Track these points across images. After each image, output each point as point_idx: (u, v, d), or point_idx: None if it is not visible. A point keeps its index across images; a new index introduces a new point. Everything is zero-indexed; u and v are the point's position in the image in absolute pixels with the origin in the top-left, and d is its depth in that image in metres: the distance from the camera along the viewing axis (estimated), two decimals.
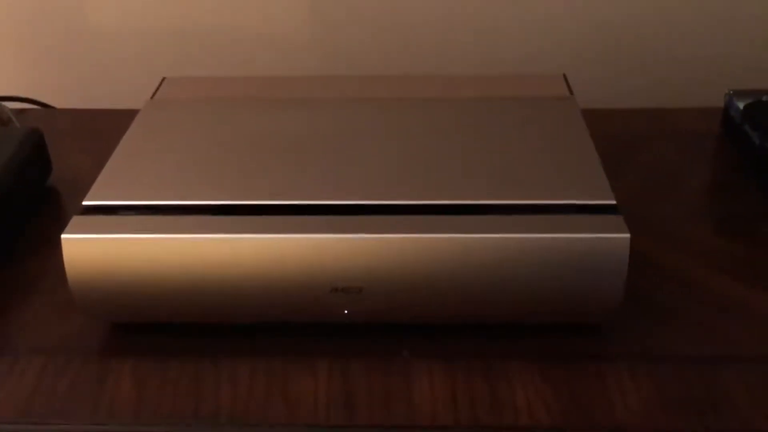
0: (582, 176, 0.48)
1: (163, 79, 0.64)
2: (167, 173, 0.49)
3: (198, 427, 0.43)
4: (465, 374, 0.45)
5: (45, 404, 0.44)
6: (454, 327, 0.47)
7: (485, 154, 0.51)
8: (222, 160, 0.50)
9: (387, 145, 0.52)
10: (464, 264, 0.44)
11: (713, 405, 0.43)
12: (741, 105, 0.65)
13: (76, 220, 0.45)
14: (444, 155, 0.51)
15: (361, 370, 0.45)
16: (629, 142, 0.67)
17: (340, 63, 0.80)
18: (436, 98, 0.58)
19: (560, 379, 0.44)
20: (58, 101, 0.77)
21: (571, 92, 0.60)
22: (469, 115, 0.56)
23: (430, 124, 0.55)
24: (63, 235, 0.44)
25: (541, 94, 0.59)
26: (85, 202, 0.47)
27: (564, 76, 0.63)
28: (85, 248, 0.44)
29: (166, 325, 0.47)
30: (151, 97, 0.60)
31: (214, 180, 0.48)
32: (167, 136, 0.54)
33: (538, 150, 0.51)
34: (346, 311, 0.45)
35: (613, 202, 0.46)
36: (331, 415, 0.43)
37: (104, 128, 0.69)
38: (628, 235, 0.43)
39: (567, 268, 0.43)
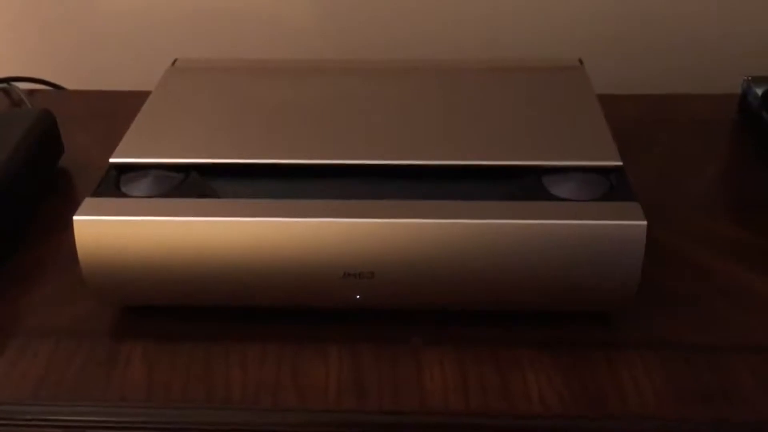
0: (589, 138, 0.49)
1: (175, 60, 0.64)
2: (191, 132, 0.51)
3: (209, 412, 0.43)
4: (476, 361, 0.45)
5: (55, 387, 0.44)
6: (466, 314, 0.47)
7: (494, 117, 0.53)
8: (243, 122, 0.52)
9: (400, 110, 0.54)
10: (478, 250, 0.43)
11: (724, 394, 0.43)
12: (759, 91, 0.64)
13: (88, 202, 0.45)
14: (454, 119, 0.52)
15: (373, 356, 0.45)
16: (643, 129, 0.66)
17: (347, 48, 0.80)
18: (448, 68, 0.60)
19: (572, 367, 0.44)
20: (68, 82, 0.77)
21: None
22: (479, 82, 0.58)
23: (442, 90, 0.57)
24: (75, 217, 0.44)
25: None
26: (111, 159, 0.48)
27: (580, 60, 0.62)
28: (97, 230, 0.44)
29: (176, 309, 0.47)
30: (159, 82, 0.60)
31: (236, 139, 0.50)
32: (190, 99, 0.56)
33: (546, 113, 0.53)
34: (358, 296, 0.45)
35: (619, 163, 0.47)
36: (341, 400, 0.43)
37: (115, 109, 0.68)
38: (644, 223, 0.43)
39: (582, 255, 0.43)
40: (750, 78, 0.66)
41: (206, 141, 0.50)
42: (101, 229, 0.44)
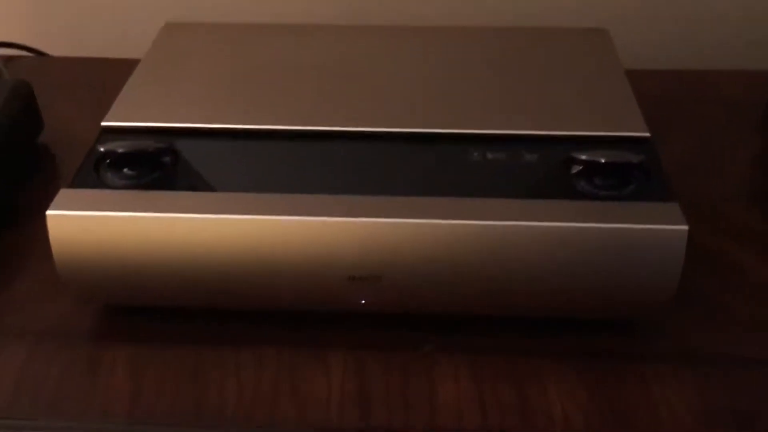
0: (614, 107, 0.46)
1: (166, 24, 0.59)
2: (185, 96, 0.48)
3: (200, 427, 0.39)
4: (493, 373, 0.41)
5: (32, 397, 0.40)
6: (481, 320, 0.43)
7: (515, 82, 0.49)
8: (241, 85, 0.49)
9: (411, 72, 0.51)
10: (496, 253, 0.39)
11: (765, 414, 0.39)
12: None
13: (63, 193, 0.41)
14: (468, 83, 0.49)
15: (379, 366, 0.41)
16: (670, 107, 0.62)
17: (353, 13, 0.74)
18: (464, 34, 0.56)
19: (597, 381, 0.40)
20: (52, 48, 0.72)
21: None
22: (498, 44, 0.54)
23: (459, 56, 0.53)
24: (48, 212, 0.40)
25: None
26: (104, 123, 0.46)
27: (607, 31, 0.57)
28: (73, 225, 0.40)
29: (164, 309, 0.43)
30: (152, 45, 0.55)
31: (234, 103, 0.47)
32: (183, 62, 0.53)
33: (569, 80, 0.50)
34: (363, 301, 0.41)
35: (647, 134, 0.44)
36: (344, 416, 0.39)
37: (102, 78, 0.64)
38: (686, 227, 0.38)
39: (614, 261, 0.39)
40: None
41: (200, 105, 0.47)
42: (78, 225, 0.39)
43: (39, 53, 0.71)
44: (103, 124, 0.46)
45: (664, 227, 0.38)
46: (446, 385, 0.40)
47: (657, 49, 0.73)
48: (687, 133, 0.59)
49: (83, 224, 0.39)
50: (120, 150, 0.42)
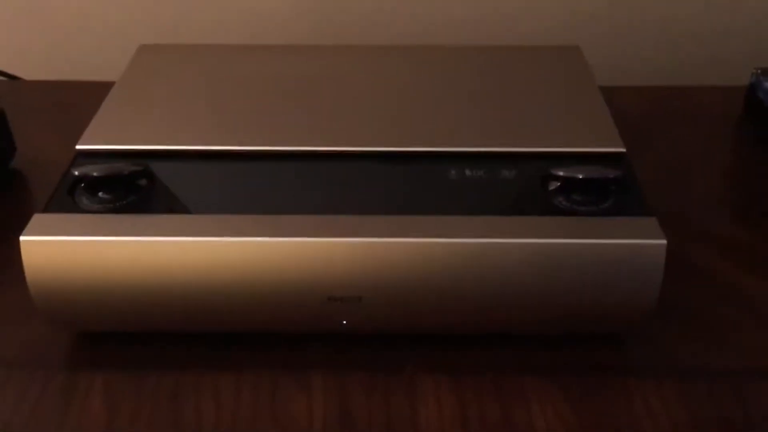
0: (589, 123, 0.46)
1: (141, 46, 0.58)
2: (162, 117, 0.48)
3: None
4: (476, 392, 0.40)
5: (5, 425, 0.39)
6: (463, 339, 0.43)
7: (489, 100, 0.49)
8: (217, 106, 0.49)
9: (388, 91, 0.50)
10: (476, 271, 0.39)
11: (751, 426, 0.39)
12: None
13: (37, 218, 0.40)
14: (444, 102, 0.49)
15: (361, 388, 0.41)
16: (645, 123, 0.62)
17: (328, 34, 0.74)
18: (439, 53, 0.56)
19: (581, 396, 0.40)
20: (25, 72, 0.71)
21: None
22: (473, 63, 0.54)
23: (435, 74, 0.53)
24: (22, 237, 0.39)
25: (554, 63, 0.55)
26: (78, 146, 0.45)
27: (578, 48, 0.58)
28: (47, 251, 0.39)
29: (141, 334, 0.43)
30: (127, 67, 0.55)
31: (209, 125, 0.47)
32: (159, 84, 0.52)
33: (543, 97, 0.50)
34: (344, 322, 0.40)
35: (623, 149, 0.44)
36: None
37: (76, 101, 0.63)
38: (664, 242, 0.38)
39: (594, 276, 0.39)
40: (759, 71, 0.62)
41: (176, 127, 0.46)
42: (52, 250, 0.39)
43: (11, 77, 0.70)
44: (78, 147, 0.45)
45: (643, 242, 0.38)
46: (429, 404, 0.40)
47: (631, 66, 0.74)
48: (662, 148, 0.59)
49: (58, 250, 0.39)
50: (95, 173, 0.41)
